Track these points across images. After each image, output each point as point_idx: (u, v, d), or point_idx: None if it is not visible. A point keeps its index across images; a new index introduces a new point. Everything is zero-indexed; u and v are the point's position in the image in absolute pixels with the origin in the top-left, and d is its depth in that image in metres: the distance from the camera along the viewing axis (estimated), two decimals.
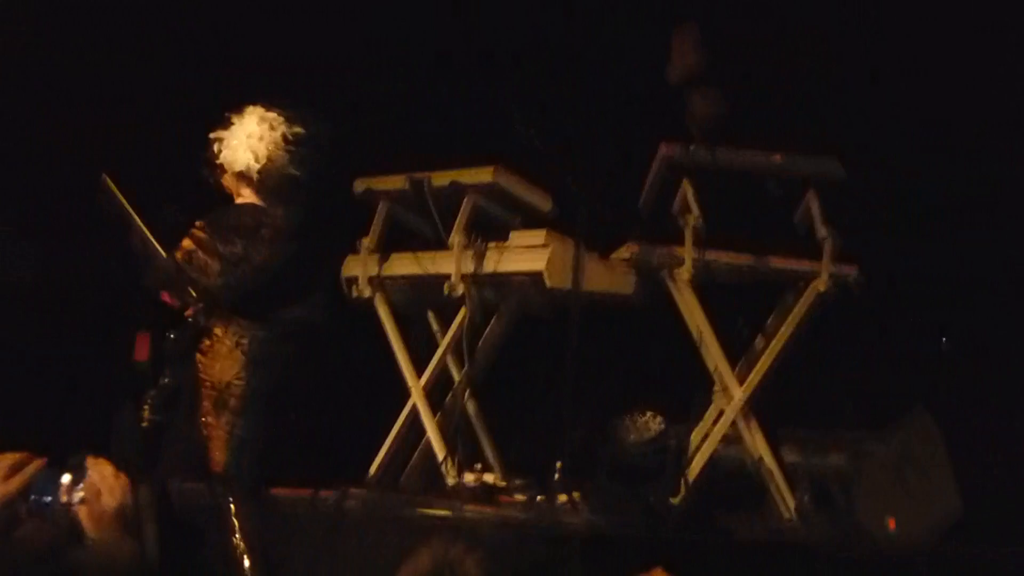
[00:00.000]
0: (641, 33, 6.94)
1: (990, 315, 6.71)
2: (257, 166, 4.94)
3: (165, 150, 6.37)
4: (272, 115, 4.99)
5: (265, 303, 4.84)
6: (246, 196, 5.04)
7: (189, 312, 4.82)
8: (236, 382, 4.75)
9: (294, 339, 4.96)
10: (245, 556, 4.62)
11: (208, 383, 4.79)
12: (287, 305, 4.91)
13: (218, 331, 4.80)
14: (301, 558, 5.52)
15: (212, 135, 5.04)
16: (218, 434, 4.71)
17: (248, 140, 4.93)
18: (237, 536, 4.65)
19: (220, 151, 5.00)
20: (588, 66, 7.07)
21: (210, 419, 4.74)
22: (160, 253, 4.91)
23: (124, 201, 5.02)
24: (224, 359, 4.78)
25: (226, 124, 5.02)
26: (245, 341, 4.80)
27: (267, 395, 4.82)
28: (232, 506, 4.69)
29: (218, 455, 4.70)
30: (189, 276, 4.84)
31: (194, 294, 4.83)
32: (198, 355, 4.83)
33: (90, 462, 4.58)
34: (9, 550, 4.40)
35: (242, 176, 4.98)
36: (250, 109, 5.01)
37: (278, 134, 4.94)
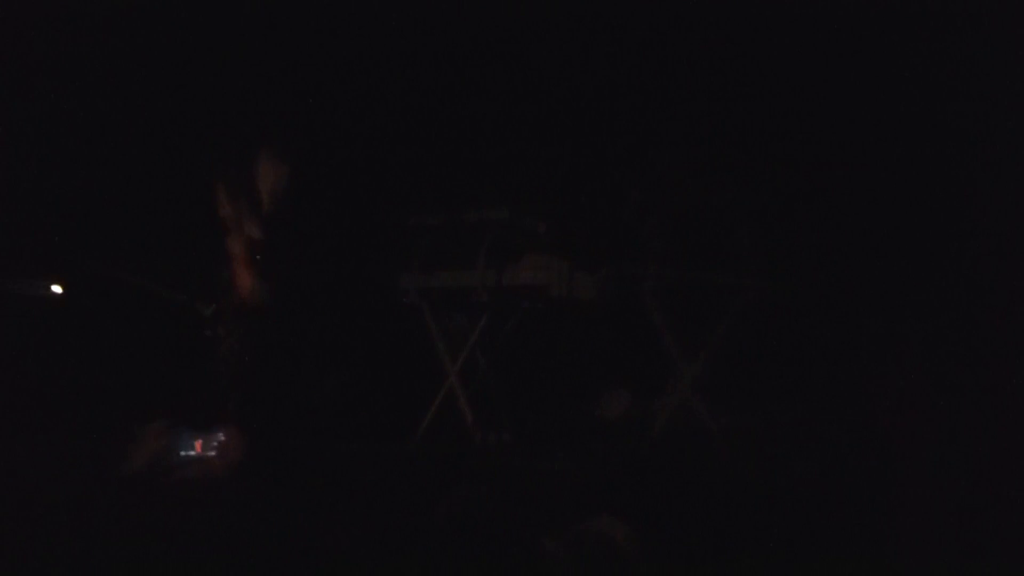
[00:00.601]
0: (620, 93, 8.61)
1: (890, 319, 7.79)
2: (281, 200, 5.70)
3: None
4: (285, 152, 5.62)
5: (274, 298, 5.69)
6: (260, 225, 5.78)
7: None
8: (251, 360, 5.62)
9: (301, 326, 5.70)
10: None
11: (227, 359, 5.59)
12: (291, 299, 5.71)
13: (235, 318, 5.63)
14: (364, 492, 7.54)
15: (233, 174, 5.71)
16: (233, 395, 5.62)
17: (274, 178, 5.61)
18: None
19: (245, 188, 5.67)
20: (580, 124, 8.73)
21: (229, 386, 5.62)
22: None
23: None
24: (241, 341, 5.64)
25: (251, 164, 5.61)
26: (257, 327, 5.63)
27: (274, 370, 5.59)
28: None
29: (231, 410, 5.60)
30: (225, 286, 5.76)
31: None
32: (222, 337, 5.67)
33: (221, 425, 6.50)
34: (168, 489, 6.25)
35: (262, 207, 5.67)
36: (266, 151, 5.59)
37: (288, 172, 5.64)
